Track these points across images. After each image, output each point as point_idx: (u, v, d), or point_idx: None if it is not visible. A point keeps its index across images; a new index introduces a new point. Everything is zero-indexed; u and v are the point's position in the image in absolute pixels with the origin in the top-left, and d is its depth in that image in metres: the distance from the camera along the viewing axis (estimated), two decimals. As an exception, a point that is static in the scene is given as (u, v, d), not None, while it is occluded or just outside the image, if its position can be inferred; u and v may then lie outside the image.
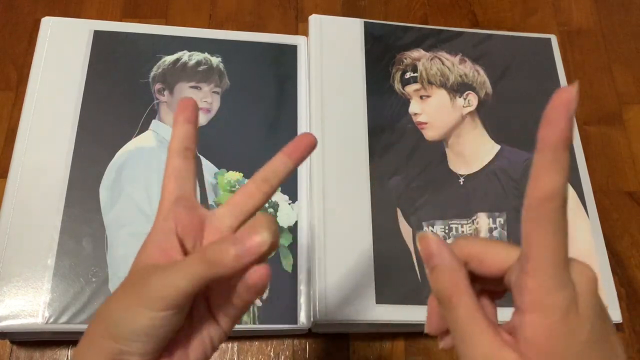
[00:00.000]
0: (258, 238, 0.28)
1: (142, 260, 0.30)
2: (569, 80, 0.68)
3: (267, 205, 0.57)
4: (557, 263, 0.24)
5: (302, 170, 0.59)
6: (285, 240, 0.56)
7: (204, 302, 0.31)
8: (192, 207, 0.31)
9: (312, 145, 0.33)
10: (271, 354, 0.54)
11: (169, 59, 0.62)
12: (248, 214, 0.32)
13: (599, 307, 0.25)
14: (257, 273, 0.28)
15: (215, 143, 0.59)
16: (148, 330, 0.27)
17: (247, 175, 0.58)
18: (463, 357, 0.26)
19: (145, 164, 0.57)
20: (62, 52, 0.61)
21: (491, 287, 0.29)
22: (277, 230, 0.29)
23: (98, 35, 0.62)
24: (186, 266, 0.28)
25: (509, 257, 0.27)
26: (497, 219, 0.58)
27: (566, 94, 0.23)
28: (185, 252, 0.30)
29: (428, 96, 0.64)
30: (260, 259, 0.28)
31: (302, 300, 0.53)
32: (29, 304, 0.50)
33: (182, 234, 0.30)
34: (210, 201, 0.56)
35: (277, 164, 0.33)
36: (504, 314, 0.29)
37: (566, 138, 0.23)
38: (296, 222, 0.57)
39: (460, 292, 0.26)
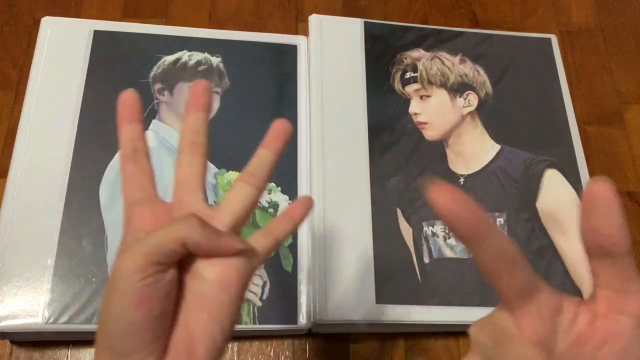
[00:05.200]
0: (238, 244, 0.29)
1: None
2: (569, 80, 0.68)
3: (267, 205, 0.57)
4: None
5: (302, 170, 0.59)
6: (285, 241, 0.56)
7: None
8: (153, 203, 0.32)
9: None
10: (271, 354, 0.54)
11: (169, 58, 0.62)
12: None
13: None
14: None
15: (215, 143, 0.59)
16: (134, 313, 0.27)
17: (247, 175, 0.58)
18: None
19: (145, 164, 0.57)
20: (62, 52, 0.61)
21: None
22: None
23: (98, 35, 0.62)
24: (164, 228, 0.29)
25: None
26: (497, 219, 0.58)
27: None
28: None
29: (428, 96, 0.64)
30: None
31: (302, 300, 0.53)
32: (28, 304, 0.50)
33: (151, 230, 0.30)
34: (210, 201, 0.56)
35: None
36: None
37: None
38: (296, 222, 0.57)
39: (506, 341, 0.25)
